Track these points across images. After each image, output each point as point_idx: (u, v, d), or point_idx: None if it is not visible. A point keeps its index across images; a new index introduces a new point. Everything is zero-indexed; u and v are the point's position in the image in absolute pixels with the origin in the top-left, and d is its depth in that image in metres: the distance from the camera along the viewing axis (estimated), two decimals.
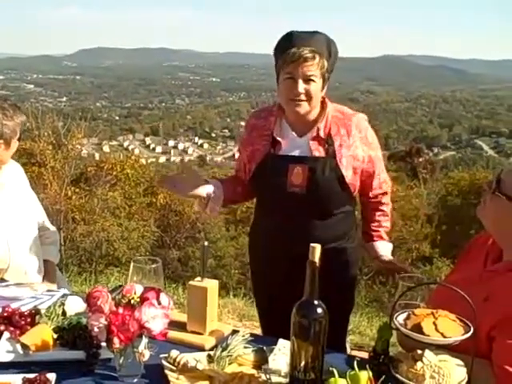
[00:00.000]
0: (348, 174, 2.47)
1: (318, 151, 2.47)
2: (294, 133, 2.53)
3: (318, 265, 1.63)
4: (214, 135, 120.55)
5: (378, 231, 2.73)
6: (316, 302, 1.64)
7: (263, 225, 2.69)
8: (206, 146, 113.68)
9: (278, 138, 2.51)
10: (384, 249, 2.72)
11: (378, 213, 2.72)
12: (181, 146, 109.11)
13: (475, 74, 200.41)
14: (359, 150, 2.50)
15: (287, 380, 1.75)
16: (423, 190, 26.06)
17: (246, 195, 2.75)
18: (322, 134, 2.47)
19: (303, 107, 2.42)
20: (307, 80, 2.37)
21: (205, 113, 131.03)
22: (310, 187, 2.43)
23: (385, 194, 2.70)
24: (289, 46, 2.36)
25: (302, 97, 2.39)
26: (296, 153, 2.49)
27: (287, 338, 1.76)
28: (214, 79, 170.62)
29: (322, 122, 2.49)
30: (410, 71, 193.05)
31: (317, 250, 1.63)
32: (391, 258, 2.73)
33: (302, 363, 1.65)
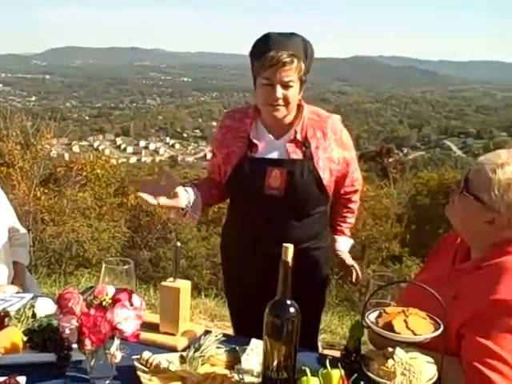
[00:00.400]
0: (325, 176, 2.48)
1: (296, 154, 2.46)
2: (270, 135, 2.52)
3: (290, 264, 1.64)
4: (185, 135, 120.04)
5: (342, 226, 2.81)
6: (289, 302, 1.65)
7: (238, 226, 2.67)
8: (177, 146, 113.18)
9: (255, 141, 2.50)
10: (343, 244, 2.82)
11: (345, 209, 2.78)
12: (152, 147, 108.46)
13: (444, 75, 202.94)
14: (335, 152, 2.51)
15: (260, 380, 1.76)
16: (393, 189, 26.34)
17: (220, 197, 2.73)
18: (298, 136, 2.47)
19: (281, 112, 2.42)
20: (285, 85, 2.36)
21: (176, 113, 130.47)
22: (289, 190, 2.43)
23: (355, 191, 2.74)
24: (266, 49, 2.33)
25: (280, 102, 2.38)
26: (273, 155, 2.49)
27: (260, 337, 1.76)
28: (185, 79, 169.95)
29: (298, 125, 2.48)
30: (380, 72, 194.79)
31: (289, 249, 1.64)
32: (347, 255, 2.84)
33: (275, 363, 1.66)
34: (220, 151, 2.60)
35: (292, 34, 2.42)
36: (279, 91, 2.35)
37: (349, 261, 2.85)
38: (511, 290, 1.69)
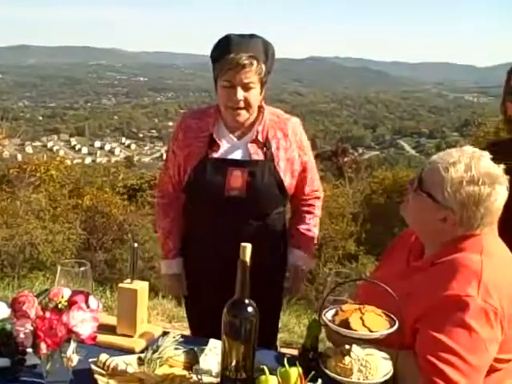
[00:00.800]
0: (286, 178, 2.50)
1: (257, 154, 2.47)
2: (231, 135, 2.51)
3: (248, 264, 1.64)
4: (141, 135, 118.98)
5: (298, 237, 2.72)
6: (247, 301, 1.67)
7: (198, 227, 2.64)
8: (133, 146, 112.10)
9: (217, 140, 2.49)
10: (295, 258, 2.71)
11: (308, 215, 2.72)
12: (107, 147, 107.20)
13: (397, 76, 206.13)
14: (295, 153, 2.53)
15: (218, 380, 1.76)
16: (349, 189, 26.63)
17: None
18: (260, 137, 2.48)
19: (242, 116, 2.43)
20: (246, 88, 2.37)
21: (132, 113, 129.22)
22: (250, 191, 2.43)
23: (316, 198, 2.73)
24: (226, 51, 2.34)
25: (241, 104, 2.39)
26: (235, 156, 2.49)
27: (219, 338, 1.76)
28: (141, 79, 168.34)
29: (260, 126, 2.49)
30: (336, 73, 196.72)
31: (247, 249, 1.65)
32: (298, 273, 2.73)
33: (233, 362, 1.67)
34: (181, 151, 2.57)
35: (252, 36, 2.43)
36: (240, 93, 2.36)
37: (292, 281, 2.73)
38: (463, 286, 1.74)
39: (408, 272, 1.96)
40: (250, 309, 1.66)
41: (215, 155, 2.48)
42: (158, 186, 2.79)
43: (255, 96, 2.41)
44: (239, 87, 2.35)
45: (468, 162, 1.83)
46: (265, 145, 2.48)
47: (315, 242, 2.75)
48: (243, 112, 2.42)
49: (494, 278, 1.76)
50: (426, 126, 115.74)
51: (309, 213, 2.71)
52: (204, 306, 2.65)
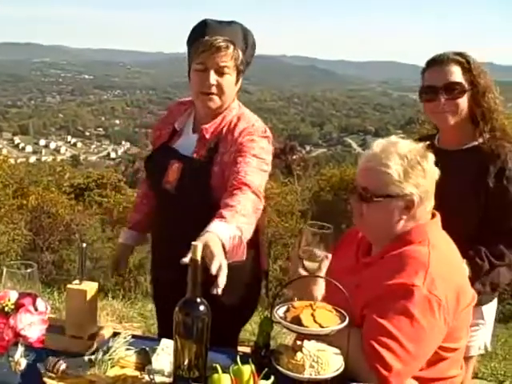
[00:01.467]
0: (216, 183, 2.28)
1: (198, 153, 2.33)
2: (190, 128, 2.43)
3: (199, 263, 1.63)
4: (87, 134, 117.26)
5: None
6: (198, 300, 1.64)
7: (153, 222, 2.60)
8: (79, 145, 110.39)
9: (178, 129, 2.44)
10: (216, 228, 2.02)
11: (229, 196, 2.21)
12: (53, 146, 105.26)
13: (343, 74, 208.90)
14: (233, 158, 2.28)
15: (171, 379, 1.75)
16: (297, 186, 26.89)
17: None
18: (207, 135, 2.34)
19: (214, 102, 2.29)
20: (220, 72, 2.24)
21: (77, 111, 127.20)
22: (179, 187, 2.31)
23: (240, 189, 2.25)
24: (201, 34, 2.23)
25: (214, 89, 2.25)
26: (183, 149, 2.37)
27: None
28: (86, 76, 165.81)
29: (210, 124, 2.34)
30: (283, 71, 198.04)
31: (198, 248, 1.63)
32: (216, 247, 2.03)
33: (186, 361, 1.66)
34: (154, 132, 2.57)
35: (231, 22, 2.32)
36: (213, 77, 2.23)
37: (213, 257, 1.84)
38: (410, 276, 1.79)
39: (357, 267, 2.01)
40: (201, 307, 1.63)
41: (172, 144, 2.42)
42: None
43: (229, 82, 2.27)
44: (212, 70, 2.22)
45: (395, 150, 1.91)
46: (210, 144, 2.33)
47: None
48: (215, 98, 2.27)
49: (440, 270, 1.82)
50: (371, 123, 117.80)
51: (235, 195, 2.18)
52: (162, 305, 2.62)
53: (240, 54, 2.26)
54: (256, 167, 2.22)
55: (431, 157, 1.95)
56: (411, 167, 1.89)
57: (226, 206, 2.05)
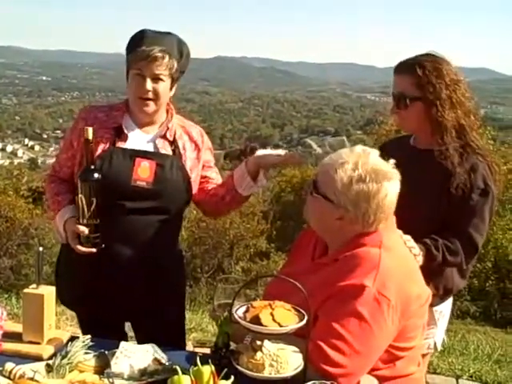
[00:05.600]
0: (192, 175, 2.51)
1: (165, 150, 2.48)
2: (139, 130, 2.50)
3: (91, 143, 2.27)
4: (45, 136, 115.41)
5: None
6: (93, 167, 2.29)
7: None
8: (37, 147, 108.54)
9: (126, 132, 2.46)
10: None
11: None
12: (9, 149, 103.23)
13: (303, 76, 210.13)
14: (201, 155, 2.58)
15: (131, 382, 1.75)
16: None
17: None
18: (168, 135, 2.50)
19: (150, 107, 2.43)
20: (156, 79, 2.38)
21: (35, 113, 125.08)
22: (157, 183, 2.40)
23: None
24: (139, 44, 2.36)
25: (150, 95, 2.39)
26: (142, 147, 2.46)
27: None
28: (44, 78, 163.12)
29: (170, 123, 2.51)
30: (243, 72, 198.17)
31: (89, 130, 2.26)
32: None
33: (87, 212, 2.28)
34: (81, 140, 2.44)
35: (167, 33, 2.46)
36: (149, 84, 2.37)
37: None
38: (361, 277, 1.82)
39: (313, 268, 2.03)
40: (95, 174, 2.28)
41: (121, 145, 2.45)
42: (49, 175, 2.70)
43: (164, 89, 2.42)
44: (149, 78, 2.37)
45: (355, 160, 1.91)
46: (173, 143, 2.50)
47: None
48: (151, 103, 2.42)
49: (390, 271, 1.84)
50: (331, 124, 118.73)
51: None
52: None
53: (175, 63, 2.41)
54: (217, 176, 2.69)
55: (387, 186, 1.89)
56: (357, 182, 1.88)
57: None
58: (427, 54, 2.45)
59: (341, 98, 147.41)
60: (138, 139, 2.48)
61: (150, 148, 2.48)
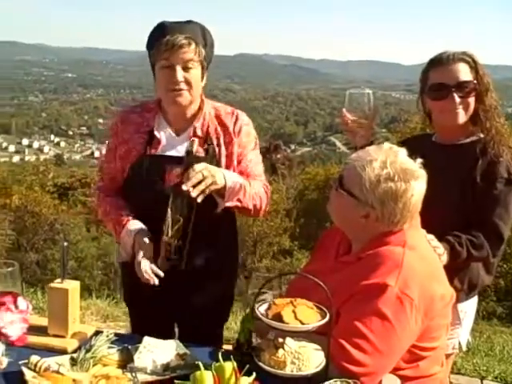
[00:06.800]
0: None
1: (197, 151, 2.28)
2: (171, 131, 2.39)
3: (194, 154, 2.11)
4: (71, 133, 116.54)
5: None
6: (185, 187, 2.05)
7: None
8: (62, 144, 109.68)
9: (157, 135, 2.37)
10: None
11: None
12: (36, 145, 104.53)
13: (325, 73, 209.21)
14: (235, 147, 2.40)
15: (154, 377, 1.76)
16: (282, 185, 26.93)
17: None
18: (199, 132, 2.36)
19: (184, 97, 2.29)
20: (186, 67, 2.24)
21: (61, 110, 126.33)
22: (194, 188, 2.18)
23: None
24: (162, 35, 2.23)
25: (183, 85, 2.25)
26: (175, 153, 2.35)
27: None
28: (69, 75, 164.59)
29: (199, 121, 2.37)
30: (266, 69, 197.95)
31: (195, 142, 2.13)
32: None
33: (170, 231, 2.10)
34: (120, 147, 2.43)
35: (189, 21, 2.32)
36: (180, 73, 2.23)
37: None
38: (383, 275, 1.80)
39: (336, 266, 2.02)
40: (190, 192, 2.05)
41: (154, 152, 2.36)
42: (99, 188, 2.57)
43: (196, 77, 2.27)
44: (178, 66, 2.23)
45: (384, 159, 1.89)
46: (205, 140, 2.36)
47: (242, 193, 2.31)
48: (185, 93, 2.27)
49: (414, 271, 1.83)
50: None
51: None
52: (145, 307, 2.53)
53: (202, 50, 2.28)
54: (258, 161, 2.50)
55: (417, 185, 1.88)
56: (385, 181, 1.86)
57: None
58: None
59: None
60: (170, 142, 2.38)
61: (181, 151, 2.32)
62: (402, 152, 1.93)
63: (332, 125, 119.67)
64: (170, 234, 2.10)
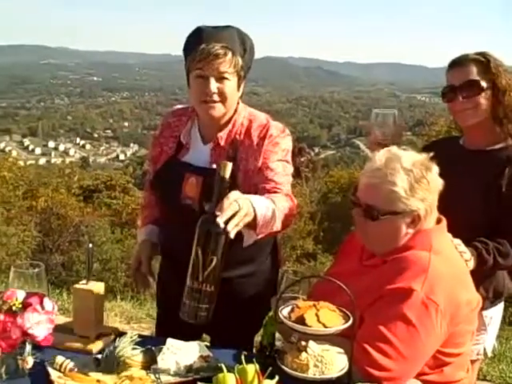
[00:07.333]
0: (244, 191, 2.08)
1: (217, 163, 2.16)
2: (200, 138, 2.34)
3: (226, 180, 1.76)
4: (96, 136, 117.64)
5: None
6: (219, 214, 1.73)
7: (163, 232, 2.49)
8: (88, 146, 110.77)
9: (184, 142, 2.33)
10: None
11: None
12: (62, 148, 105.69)
13: (349, 76, 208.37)
14: (253, 163, 2.26)
15: (177, 378, 1.77)
16: (306, 188, 26.87)
17: None
18: (222, 143, 2.27)
19: (217, 109, 2.21)
20: (220, 78, 2.16)
21: (86, 113, 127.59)
22: (203, 201, 2.13)
23: (274, 190, 2.23)
24: (198, 42, 2.15)
25: (216, 97, 2.17)
26: (196, 161, 2.29)
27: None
28: (95, 78, 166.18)
29: (224, 131, 2.27)
30: (290, 72, 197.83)
31: (228, 166, 1.75)
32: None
33: (201, 275, 1.74)
34: (154, 149, 2.45)
35: (227, 27, 2.23)
36: (213, 84, 2.15)
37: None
38: (409, 280, 1.79)
39: (360, 270, 2.01)
40: (221, 224, 1.71)
41: (180, 158, 2.33)
42: (148, 181, 2.57)
43: (231, 89, 2.19)
44: (212, 78, 2.15)
45: (399, 165, 1.89)
46: (228, 152, 2.26)
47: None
48: (218, 105, 2.19)
49: (440, 276, 1.82)
50: None
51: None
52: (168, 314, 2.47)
53: (239, 59, 2.19)
54: (283, 172, 2.26)
55: (435, 168, 1.94)
56: (417, 181, 1.89)
57: None
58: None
59: (389, 99, 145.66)
60: (195, 151, 2.33)
61: (202, 161, 2.27)
62: (401, 151, 1.96)
63: (356, 127, 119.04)
64: (200, 279, 1.75)
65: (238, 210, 1.79)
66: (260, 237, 2.04)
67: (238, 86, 2.24)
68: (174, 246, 2.37)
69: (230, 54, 2.15)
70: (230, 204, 1.77)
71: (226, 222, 1.73)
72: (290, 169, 2.33)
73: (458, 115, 2.44)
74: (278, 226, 2.09)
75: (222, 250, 1.74)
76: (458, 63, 2.40)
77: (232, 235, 1.77)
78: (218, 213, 1.72)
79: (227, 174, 1.75)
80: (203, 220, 1.75)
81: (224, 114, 2.24)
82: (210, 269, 1.74)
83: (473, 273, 2.04)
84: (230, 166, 1.74)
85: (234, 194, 1.81)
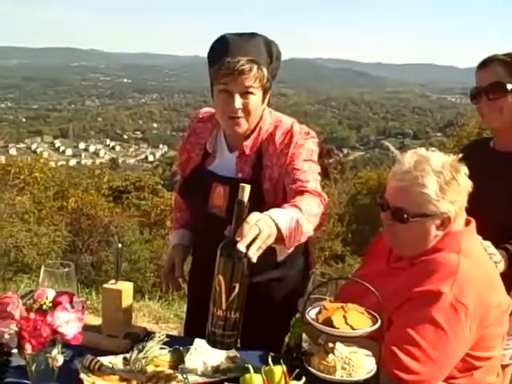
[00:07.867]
0: (269, 199, 2.21)
1: (243, 172, 2.24)
2: (226, 146, 2.32)
3: (246, 204, 1.64)
4: (126, 137, 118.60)
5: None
6: (240, 239, 1.65)
7: (194, 235, 2.52)
8: (118, 148, 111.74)
9: (209, 150, 2.33)
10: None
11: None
12: (92, 149, 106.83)
13: (378, 76, 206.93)
14: (276, 171, 2.23)
15: (204, 379, 1.78)
16: (334, 189, 26.73)
17: None
18: (247, 151, 2.25)
19: (242, 126, 2.19)
20: (245, 93, 2.12)
21: (116, 114, 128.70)
22: (230, 211, 1.99)
23: (301, 192, 2.16)
24: (223, 53, 2.10)
25: (240, 113, 2.15)
26: (222, 170, 2.28)
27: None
28: (125, 80, 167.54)
29: (249, 139, 2.25)
30: (318, 73, 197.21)
31: (246, 189, 1.65)
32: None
33: (224, 303, 1.66)
34: (181, 155, 2.45)
35: (253, 35, 2.17)
36: (238, 101, 2.12)
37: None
38: (438, 283, 1.78)
39: (388, 272, 2.00)
40: (241, 249, 1.63)
41: (207, 166, 2.32)
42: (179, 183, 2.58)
43: (255, 103, 2.15)
44: (237, 94, 2.11)
45: (429, 167, 1.88)
46: (253, 160, 2.24)
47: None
48: (242, 121, 2.17)
49: (469, 278, 1.79)
50: (409, 126, 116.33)
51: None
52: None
53: (265, 72, 2.14)
54: (309, 170, 2.21)
55: (464, 169, 1.93)
56: (447, 183, 1.87)
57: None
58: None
59: (420, 100, 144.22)
60: (221, 159, 2.32)
61: (228, 170, 2.27)
62: (429, 152, 1.94)
63: (385, 128, 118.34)
64: (223, 307, 1.67)
65: (259, 233, 1.70)
66: (292, 249, 1.96)
67: (263, 99, 2.21)
68: (203, 251, 2.38)
69: (255, 69, 2.10)
70: (251, 227, 1.68)
71: (248, 247, 1.65)
72: (317, 168, 2.27)
73: (484, 117, 2.43)
74: (309, 230, 2.00)
75: (245, 275, 1.66)
76: (485, 64, 2.38)
77: (254, 259, 1.68)
78: (238, 238, 1.64)
79: (245, 198, 1.66)
80: (223, 246, 1.67)
81: (248, 128, 2.22)
82: (234, 296, 1.66)
83: (504, 275, 2.01)
84: (248, 188, 1.65)
85: (254, 217, 1.71)
